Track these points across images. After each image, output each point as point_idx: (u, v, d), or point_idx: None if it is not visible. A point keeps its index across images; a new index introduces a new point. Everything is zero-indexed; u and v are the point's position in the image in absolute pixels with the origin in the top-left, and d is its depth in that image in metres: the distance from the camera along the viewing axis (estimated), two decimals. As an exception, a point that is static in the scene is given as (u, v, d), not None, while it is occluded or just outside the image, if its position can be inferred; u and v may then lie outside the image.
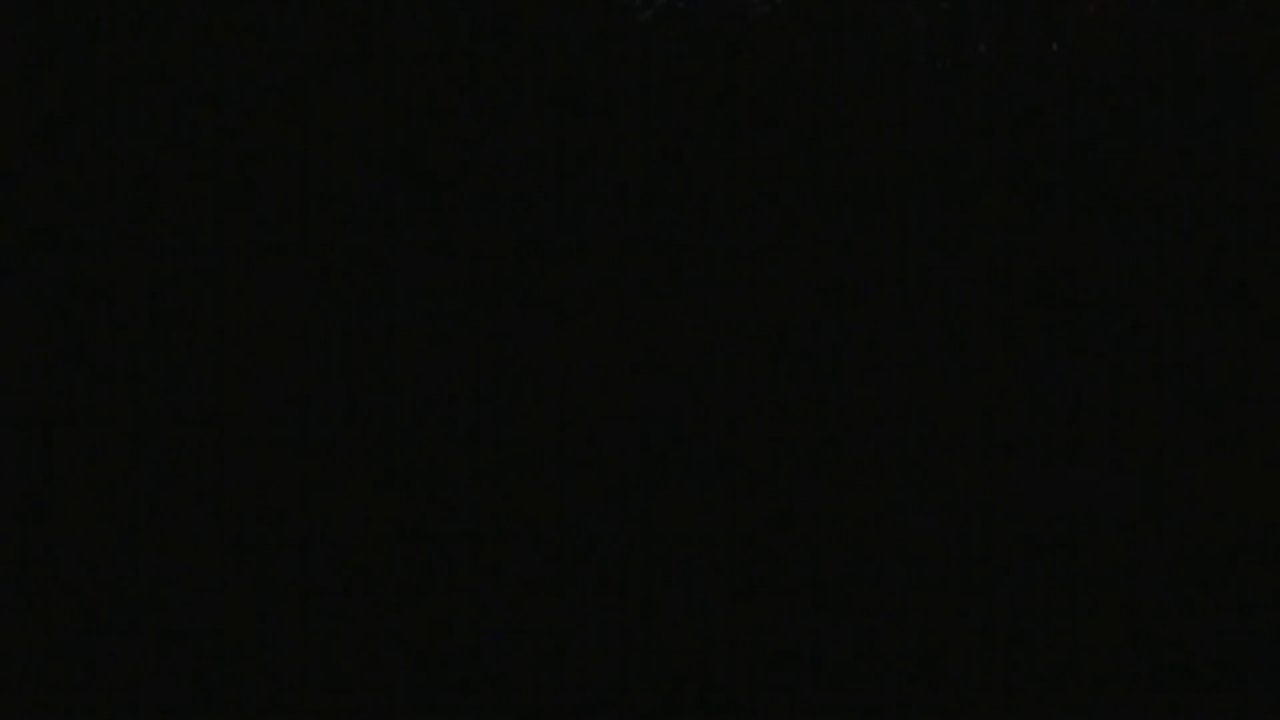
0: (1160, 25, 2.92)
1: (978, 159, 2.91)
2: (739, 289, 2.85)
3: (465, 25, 2.79)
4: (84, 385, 2.44)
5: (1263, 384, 2.72)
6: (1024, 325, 2.85)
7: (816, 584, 2.19)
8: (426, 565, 2.25)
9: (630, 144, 2.87)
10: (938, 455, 2.62)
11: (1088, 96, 2.92)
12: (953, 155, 2.91)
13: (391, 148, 2.74)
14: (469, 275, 2.75)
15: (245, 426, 2.50)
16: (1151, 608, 2.11)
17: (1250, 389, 2.72)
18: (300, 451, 2.49)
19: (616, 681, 1.91)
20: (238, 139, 2.62)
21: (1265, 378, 2.73)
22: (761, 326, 2.82)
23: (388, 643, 2.00)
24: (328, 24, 2.68)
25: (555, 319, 2.76)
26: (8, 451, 2.35)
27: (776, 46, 2.93)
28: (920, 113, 2.93)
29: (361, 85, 2.72)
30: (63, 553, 2.22)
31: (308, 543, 2.30)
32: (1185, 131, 2.88)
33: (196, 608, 2.09)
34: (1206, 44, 2.89)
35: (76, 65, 2.50)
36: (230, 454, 2.45)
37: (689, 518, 2.41)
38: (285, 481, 2.42)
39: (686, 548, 2.32)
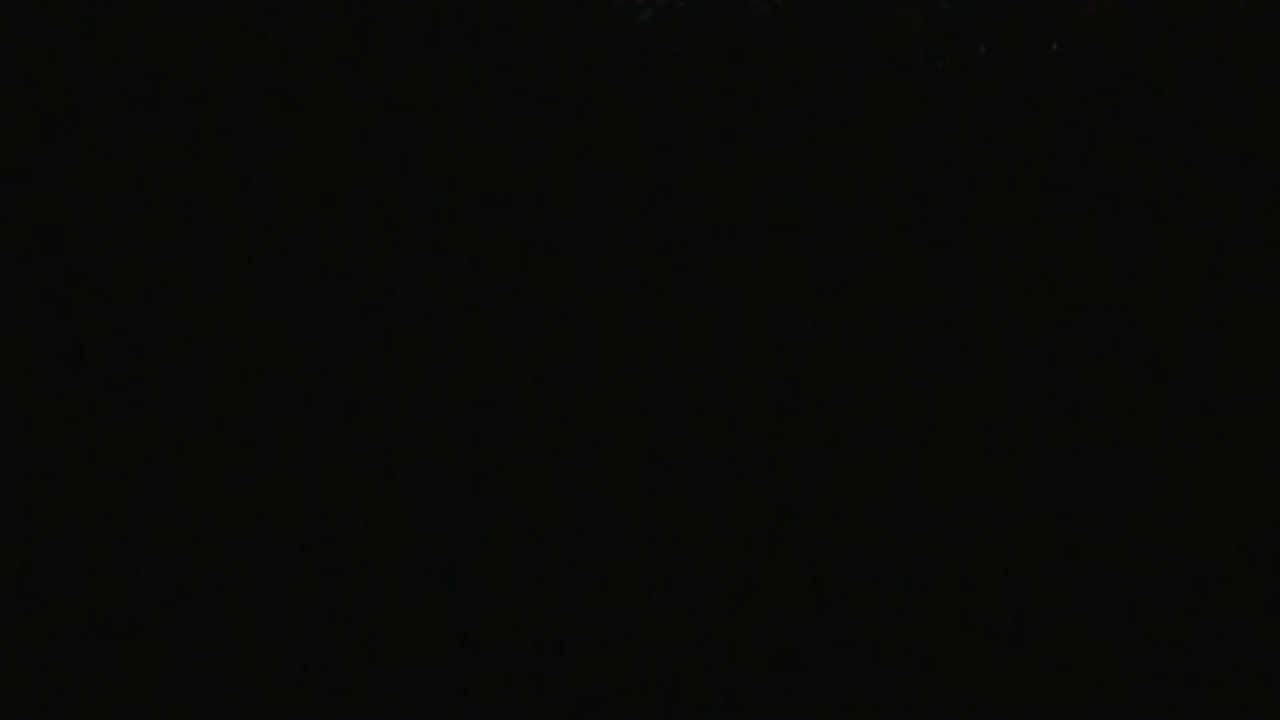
0: (1160, 25, 2.92)
1: (978, 158, 2.91)
2: (739, 288, 2.85)
3: (466, 25, 2.79)
4: (84, 385, 2.44)
5: (1263, 384, 2.72)
6: (1024, 324, 2.85)
7: (816, 584, 2.19)
8: (426, 565, 2.25)
9: (630, 144, 2.87)
10: (938, 455, 2.62)
11: (1087, 96, 2.92)
12: (953, 155, 2.91)
13: (391, 147, 2.74)
14: (469, 275, 2.75)
15: (245, 425, 2.50)
16: (1152, 608, 2.11)
17: (1250, 389, 2.72)
18: (300, 450, 2.49)
19: (617, 681, 1.91)
20: (238, 139, 2.62)
21: (1265, 377, 2.73)
22: (762, 325, 2.82)
23: (388, 643, 2.00)
24: (328, 24, 2.68)
25: (555, 318, 2.75)
26: (8, 451, 2.35)
27: (776, 46, 2.93)
28: (920, 113, 2.92)
29: (362, 85, 2.72)
30: (63, 553, 2.22)
31: (307, 542, 2.30)
32: (1185, 131, 2.88)
33: (196, 607, 2.09)
34: (1206, 44, 2.89)
35: (76, 65, 2.50)
36: (230, 453, 2.45)
37: (689, 518, 2.41)
38: (285, 480, 2.42)
39: (686, 548, 2.31)
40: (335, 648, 2.00)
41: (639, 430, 2.65)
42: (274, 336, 2.58)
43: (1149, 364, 2.79)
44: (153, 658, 1.98)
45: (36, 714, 1.83)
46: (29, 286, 2.44)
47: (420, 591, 2.18)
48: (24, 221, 2.45)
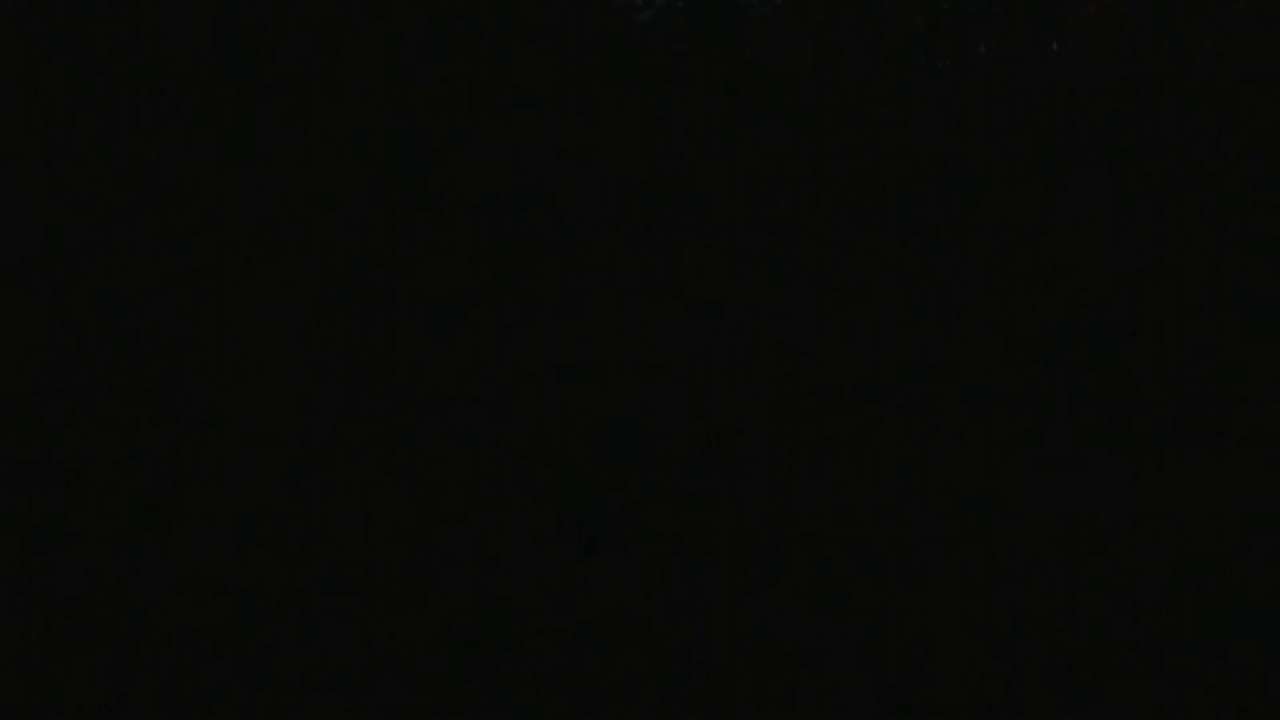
0: (1160, 25, 2.92)
1: (978, 158, 2.91)
2: (739, 288, 2.85)
3: (466, 25, 2.79)
4: (83, 385, 2.44)
5: (1264, 384, 2.72)
6: (1024, 324, 2.85)
7: (816, 584, 2.19)
8: (426, 565, 2.25)
9: (630, 144, 2.87)
10: (938, 455, 2.62)
11: (1087, 96, 2.92)
12: (953, 155, 2.91)
13: (391, 148, 2.74)
14: (469, 275, 2.75)
15: (245, 426, 2.50)
16: (1152, 608, 2.11)
17: (1251, 389, 2.72)
18: (300, 450, 2.49)
19: (617, 681, 1.91)
20: (237, 138, 2.62)
21: (1266, 378, 2.73)
22: (761, 325, 2.82)
23: (387, 643, 2.00)
24: (328, 24, 2.68)
25: (555, 319, 2.75)
26: (8, 451, 2.35)
27: (776, 46, 2.93)
28: (920, 113, 2.92)
29: (362, 85, 2.72)
30: (63, 553, 2.22)
31: (307, 542, 2.30)
32: (1185, 131, 2.88)
33: (196, 608, 2.09)
34: (1206, 44, 2.89)
35: (76, 65, 2.50)
36: (230, 453, 2.45)
37: (689, 518, 2.41)
38: (284, 480, 2.42)
39: (686, 548, 2.31)
40: (335, 647, 2.00)
41: (639, 429, 2.65)
42: (274, 335, 2.58)
43: (1149, 364, 2.78)
44: (153, 658, 1.98)
45: (36, 714, 1.83)
46: (29, 286, 2.44)
47: (420, 591, 2.18)
48: (23, 221, 2.45)
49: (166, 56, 2.56)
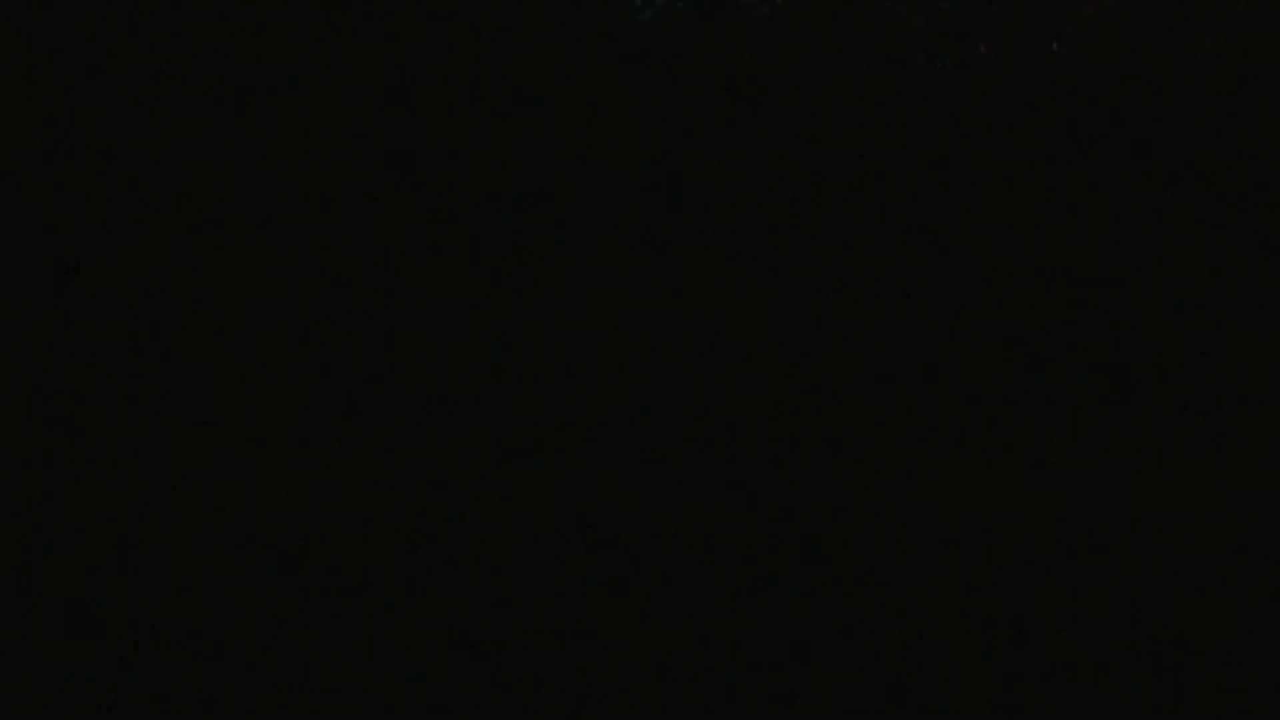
0: (1160, 25, 2.92)
1: (978, 159, 2.91)
2: (739, 289, 2.85)
3: (465, 25, 2.79)
4: (82, 386, 2.44)
5: (1264, 385, 2.72)
6: (1024, 325, 2.85)
7: (816, 584, 2.19)
8: (426, 565, 2.25)
9: (630, 144, 2.87)
10: (938, 456, 2.62)
11: (1087, 96, 2.92)
12: (953, 155, 2.91)
13: (390, 148, 2.74)
14: (468, 275, 2.75)
15: (244, 426, 2.50)
16: (1152, 608, 2.11)
17: (1252, 390, 2.72)
18: (299, 451, 2.49)
19: (616, 681, 1.91)
20: (236, 138, 2.62)
21: (1266, 378, 2.73)
22: (762, 326, 2.82)
23: (387, 643, 2.00)
24: (328, 23, 2.68)
25: (555, 319, 2.76)
26: (7, 451, 2.35)
27: (776, 46, 2.93)
28: (920, 113, 2.93)
29: (361, 85, 2.72)
30: (62, 553, 2.22)
31: (307, 542, 2.30)
32: (1185, 131, 2.88)
33: (196, 608, 2.09)
34: (1206, 44, 2.89)
35: (75, 65, 2.50)
36: (229, 454, 2.45)
37: (689, 518, 2.41)
38: (284, 481, 2.42)
39: (686, 548, 2.31)
40: (335, 647, 2.00)
41: (639, 430, 2.65)
42: (273, 336, 2.58)
43: (1149, 364, 2.78)
44: (152, 658, 1.98)
45: (36, 714, 1.83)
46: (28, 286, 2.44)
47: (420, 591, 2.18)
48: (23, 221, 2.45)
49: (166, 55, 2.56)
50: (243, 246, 2.60)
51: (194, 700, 1.82)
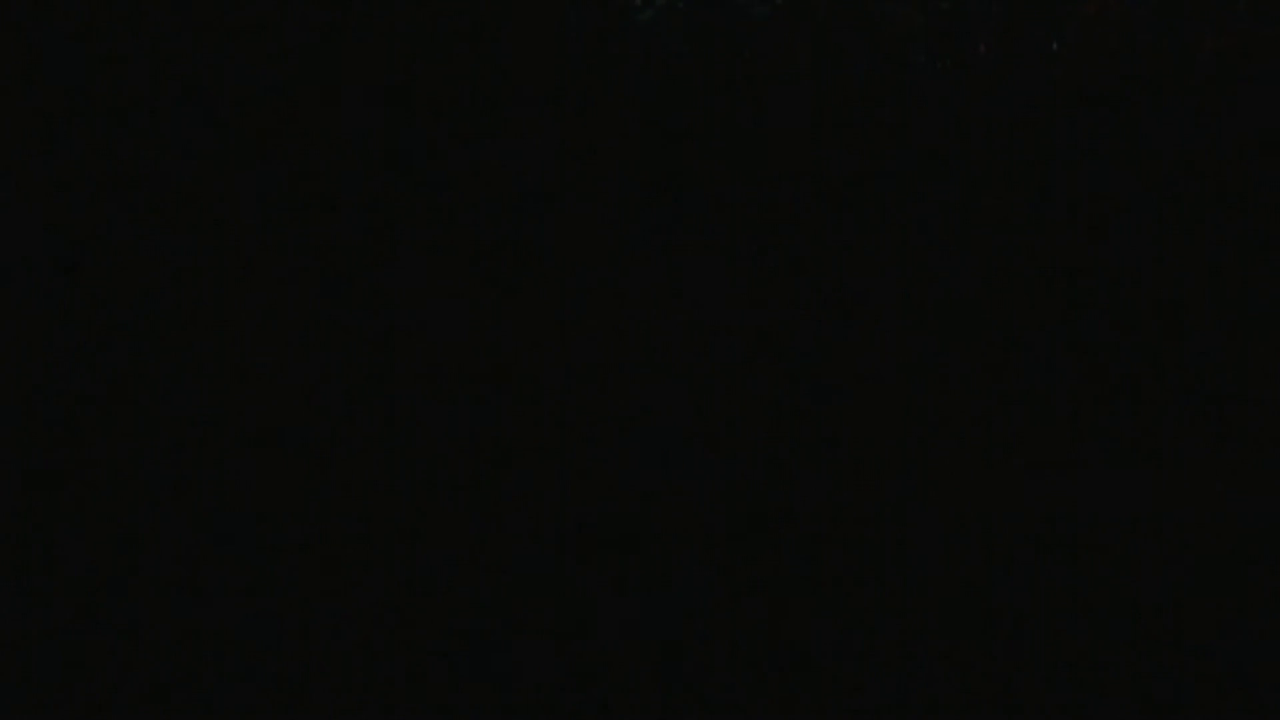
0: (1160, 25, 2.92)
1: (978, 159, 2.91)
2: (739, 289, 2.85)
3: (464, 24, 2.79)
4: (83, 386, 2.44)
5: (1263, 384, 2.72)
6: (1024, 326, 2.85)
7: (816, 584, 2.19)
8: (425, 565, 2.25)
9: (630, 144, 2.87)
10: (938, 456, 2.62)
11: (1088, 96, 2.92)
12: (953, 155, 2.91)
13: (389, 148, 2.74)
14: (467, 276, 2.75)
15: (244, 427, 2.50)
16: (1152, 609, 2.11)
17: (1252, 390, 2.72)
18: (299, 452, 2.49)
19: (616, 681, 1.91)
20: (233, 138, 2.62)
21: (1266, 378, 2.73)
22: (761, 327, 2.82)
23: (387, 643, 2.00)
24: (327, 23, 2.68)
25: (554, 320, 2.76)
26: (8, 451, 2.35)
27: (776, 46, 2.93)
28: (920, 113, 2.93)
29: (359, 85, 2.72)
30: (62, 554, 2.22)
31: (307, 543, 2.30)
32: (1186, 131, 2.88)
33: (196, 609, 2.09)
34: (1206, 44, 2.89)
35: (74, 65, 2.50)
36: (229, 455, 2.45)
37: (689, 518, 2.41)
38: (284, 482, 2.42)
39: (686, 548, 2.31)
40: (334, 647, 2.00)
41: (638, 430, 2.65)
42: (272, 337, 2.58)
43: (1149, 364, 2.78)
44: (153, 657, 1.98)
45: (36, 714, 1.83)
46: (28, 286, 2.44)
47: (419, 591, 2.18)
48: (22, 221, 2.45)
49: (165, 55, 2.56)
50: (242, 245, 2.60)
51: (194, 700, 1.82)
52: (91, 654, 1.92)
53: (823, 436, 2.67)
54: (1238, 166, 2.86)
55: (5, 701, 1.80)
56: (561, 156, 2.84)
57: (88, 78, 2.51)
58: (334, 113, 2.70)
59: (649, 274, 2.83)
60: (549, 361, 2.71)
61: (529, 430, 2.62)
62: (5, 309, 2.42)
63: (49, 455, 2.37)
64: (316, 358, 2.60)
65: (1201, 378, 2.75)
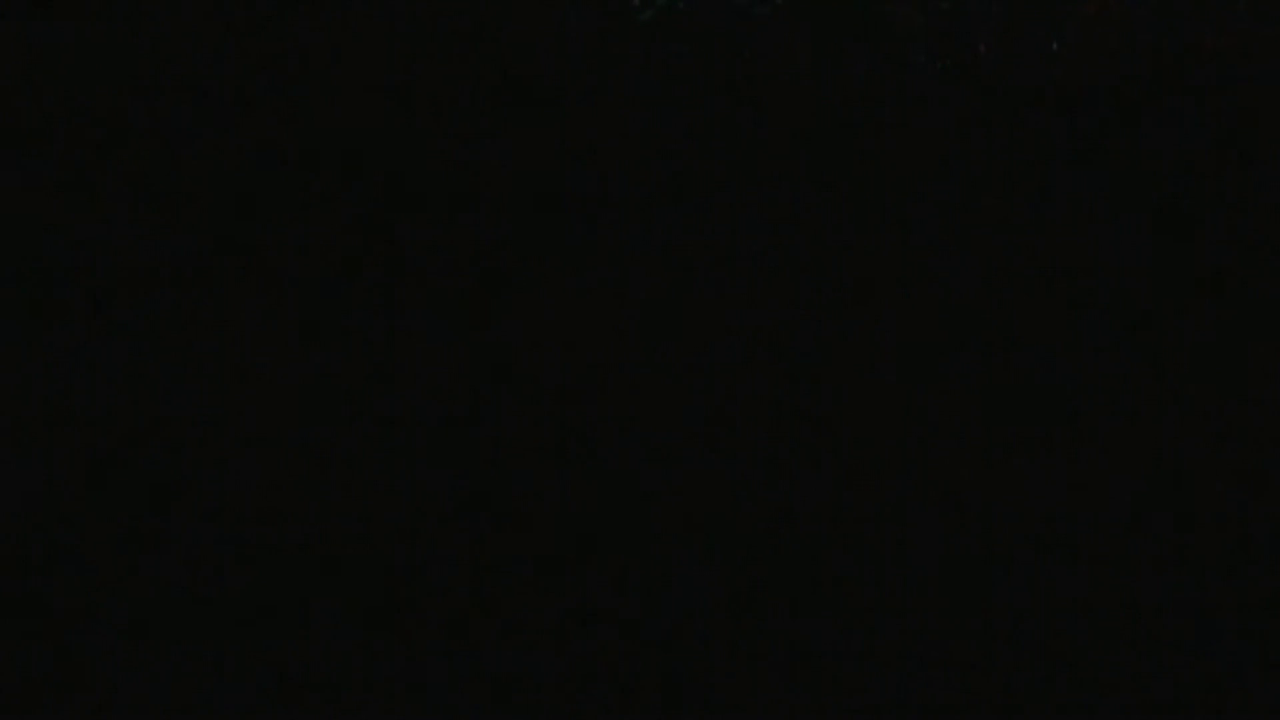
0: (1160, 25, 2.92)
1: (978, 158, 2.91)
2: (738, 289, 2.85)
3: (463, 24, 2.79)
4: (81, 387, 2.44)
5: (1263, 384, 2.72)
6: (1024, 325, 2.85)
7: (817, 584, 2.19)
8: (425, 566, 2.25)
9: (630, 144, 2.87)
10: (938, 455, 2.62)
11: (1088, 96, 2.92)
12: (953, 154, 2.91)
13: (388, 148, 2.74)
14: (467, 277, 2.75)
15: (244, 427, 2.50)
16: (1152, 609, 2.11)
17: (1252, 390, 2.72)
18: (299, 452, 2.49)
19: (616, 681, 1.91)
20: (233, 138, 2.62)
21: (1266, 378, 2.73)
22: (761, 327, 2.82)
23: (387, 643, 2.00)
24: (327, 24, 2.68)
25: (554, 320, 2.76)
26: (7, 451, 2.35)
27: (776, 46, 2.93)
28: (920, 113, 2.93)
29: (357, 85, 2.72)
30: (62, 553, 2.22)
31: (307, 543, 2.30)
32: (1186, 131, 2.88)
33: (196, 609, 2.09)
34: (1206, 44, 2.89)
35: (74, 63, 2.50)
36: (229, 455, 2.45)
37: (689, 518, 2.41)
38: (284, 482, 2.42)
39: (686, 548, 2.31)
40: (334, 648, 2.00)
41: (638, 430, 2.65)
42: (271, 338, 2.58)
43: (1149, 364, 2.79)
44: (152, 657, 1.97)
45: (37, 714, 1.83)
46: (28, 286, 2.44)
47: (419, 591, 2.18)
48: (21, 222, 2.45)
49: (165, 55, 2.56)
50: (242, 245, 2.61)
51: (194, 700, 1.82)
52: (91, 654, 1.92)
53: (823, 436, 2.67)
54: (1238, 166, 2.86)
55: (5, 701, 1.80)
56: (560, 156, 2.84)
57: (88, 77, 2.51)
58: (334, 113, 2.70)
59: (649, 273, 2.83)
60: (549, 361, 2.71)
61: (529, 430, 2.62)
62: (5, 309, 2.42)
63: (49, 455, 2.37)
64: (316, 358, 2.60)
65: (1201, 378, 2.75)
